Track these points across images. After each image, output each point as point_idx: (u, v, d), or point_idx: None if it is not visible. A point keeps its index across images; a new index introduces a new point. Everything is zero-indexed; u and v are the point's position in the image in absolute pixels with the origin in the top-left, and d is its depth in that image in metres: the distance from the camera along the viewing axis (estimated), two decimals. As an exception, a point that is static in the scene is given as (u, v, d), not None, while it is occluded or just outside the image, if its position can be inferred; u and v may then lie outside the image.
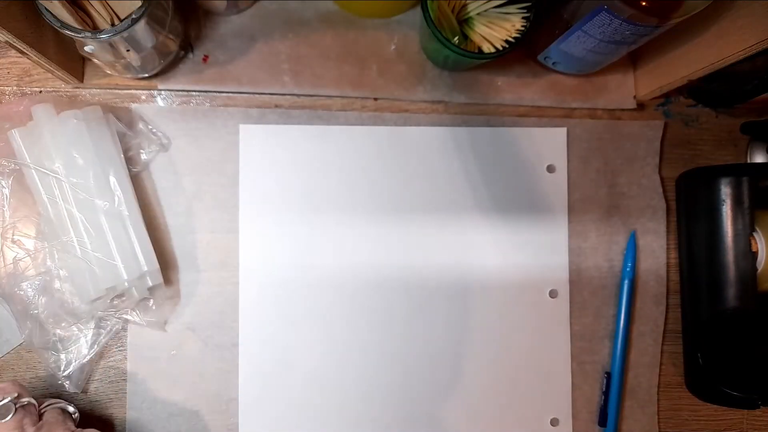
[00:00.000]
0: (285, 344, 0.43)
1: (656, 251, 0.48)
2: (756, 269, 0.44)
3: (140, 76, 0.42)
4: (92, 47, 0.36)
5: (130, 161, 0.41)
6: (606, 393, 0.46)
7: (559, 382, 0.46)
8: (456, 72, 0.46)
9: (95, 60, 0.39)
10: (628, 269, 0.46)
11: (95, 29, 0.34)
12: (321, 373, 0.44)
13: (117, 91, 0.43)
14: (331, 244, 0.44)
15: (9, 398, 0.34)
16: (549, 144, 0.47)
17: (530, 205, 0.46)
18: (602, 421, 0.46)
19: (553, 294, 0.46)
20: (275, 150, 0.44)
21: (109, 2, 0.34)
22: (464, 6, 0.41)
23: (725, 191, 0.44)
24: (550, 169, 0.47)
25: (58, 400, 0.38)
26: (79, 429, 0.37)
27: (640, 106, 0.48)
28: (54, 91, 0.43)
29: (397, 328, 0.44)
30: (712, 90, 0.46)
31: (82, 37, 0.33)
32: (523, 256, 0.46)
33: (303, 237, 0.44)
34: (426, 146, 0.45)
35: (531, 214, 0.46)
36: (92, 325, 0.41)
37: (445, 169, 0.45)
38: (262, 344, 0.43)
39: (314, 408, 0.44)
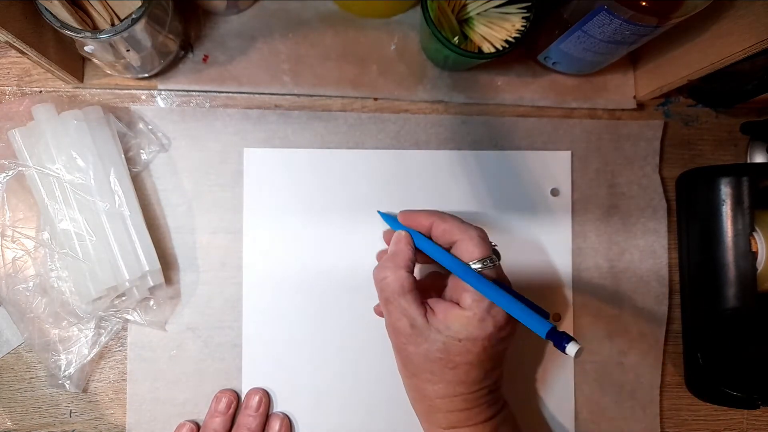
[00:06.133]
0: (288, 345, 0.44)
1: (657, 251, 0.48)
2: (756, 269, 0.44)
3: (140, 76, 0.42)
4: (92, 47, 0.36)
5: (130, 161, 0.41)
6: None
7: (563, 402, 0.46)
8: (456, 72, 0.46)
9: (95, 60, 0.39)
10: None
11: (95, 29, 0.34)
12: (325, 374, 0.44)
13: (117, 91, 0.43)
14: (333, 255, 0.44)
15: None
16: (553, 168, 0.46)
17: (533, 229, 0.46)
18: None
19: (555, 318, 0.46)
20: (279, 172, 0.44)
21: (109, 2, 0.34)
22: (464, 6, 0.41)
23: (725, 191, 0.44)
24: (554, 192, 0.46)
25: None
26: None
27: (640, 106, 0.48)
28: (54, 91, 0.43)
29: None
30: (712, 90, 0.46)
31: (82, 37, 0.33)
32: (525, 277, 0.46)
33: (305, 249, 0.44)
34: (427, 169, 0.45)
35: (534, 238, 0.46)
36: (92, 325, 0.41)
37: (446, 192, 0.45)
38: (265, 345, 0.43)
39: (318, 407, 0.44)
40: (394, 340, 0.37)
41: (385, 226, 0.43)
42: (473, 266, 0.34)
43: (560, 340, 0.30)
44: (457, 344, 0.34)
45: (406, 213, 0.39)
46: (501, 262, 0.37)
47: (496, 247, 0.38)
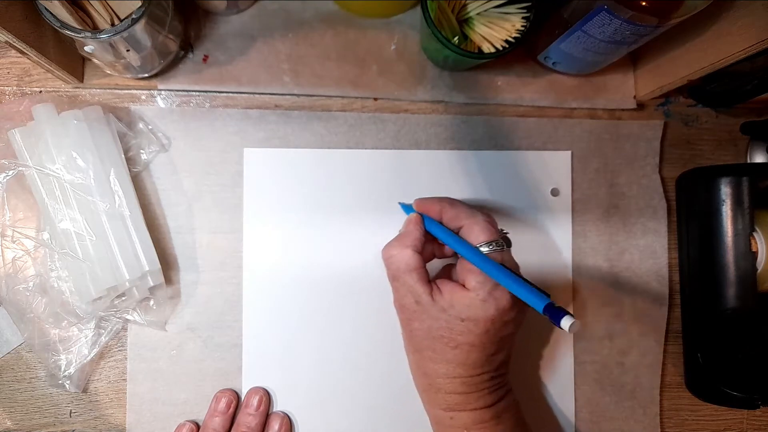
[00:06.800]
0: (288, 344, 0.43)
1: (657, 251, 0.48)
2: (756, 269, 0.44)
3: (140, 76, 0.42)
4: (92, 47, 0.36)
5: (130, 161, 0.41)
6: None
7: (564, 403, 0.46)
8: (456, 72, 0.46)
9: (95, 60, 0.39)
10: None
11: (95, 29, 0.34)
12: (325, 373, 0.44)
13: (117, 91, 0.43)
14: (333, 255, 0.44)
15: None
16: (553, 167, 0.46)
17: (534, 229, 0.46)
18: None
19: None
20: (279, 172, 0.44)
21: (109, 2, 0.34)
22: (464, 6, 0.41)
23: (725, 191, 0.44)
24: (554, 192, 0.46)
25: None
26: None
27: (640, 106, 0.48)
28: (54, 91, 0.43)
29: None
30: (712, 90, 0.46)
31: (82, 37, 0.33)
32: (525, 277, 0.46)
33: (305, 249, 0.44)
34: (427, 169, 0.45)
35: (535, 238, 0.46)
36: (92, 325, 0.41)
37: (446, 192, 0.45)
38: (265, 345, 0.43)
39: (318, 407, 0.44)
40: (400, 316, 0.38)
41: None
42: (480, 250, 0.35)
43: (556, 314, 0.30)
44: (459, 324, 0.35)
45: (420, 200, 0.40)
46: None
47: (507, 234, 0.38)
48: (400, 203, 0.43)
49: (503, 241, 0.36)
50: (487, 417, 0.36)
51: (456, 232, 0.37)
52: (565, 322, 0.30)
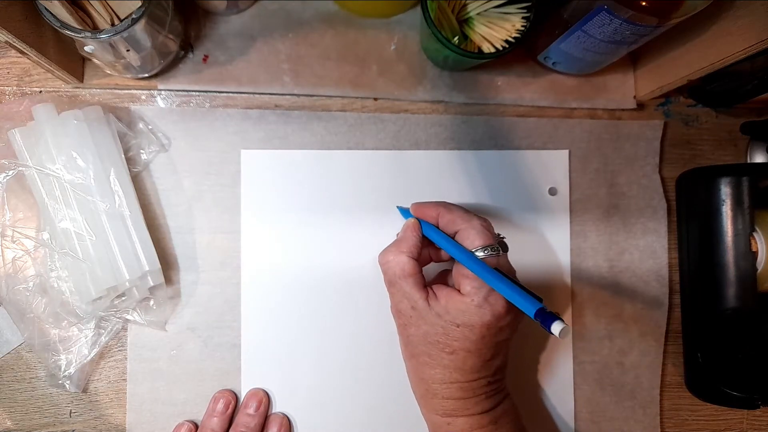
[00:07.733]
0: (287, 345, 0.43)
1: (657, 251, 0.48)
2: (756, 269, 0.44)
3: (140, 76, 0.42)
4: (92, 47, 0.36)
5: (130, 161, 0.41)
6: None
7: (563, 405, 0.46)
8: (456, 72, 0.46)
9: (95, 60, 0.39)
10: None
11: (95, 29, 0.34)
12: (324, 374, 0.44)
13: (117, 91, 0.43)
14: (332, 255, 0.44)
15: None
16: (551, 167, 0.46)
17: (532, 228, 0.46)
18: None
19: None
20: (276, 174, 0.44)
21: (109, 2, 0.34)
22: (464, 6, 0.41)
23: (725, 191, 0.44)
24: (552, 192, 0.46)
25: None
26: None
27: (640, 106, 0.48)
28: (54, 91, 0.43)
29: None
30: (712, 90, 0.46)
31: (82, 37, 0.33)
32: (524, 277, 0.46)
33: (304, 250, 0.44)
34: (427, 169, 0.45)
35: (533, 237, 0.46)
36: (92, 325, 0.41)
37: (445, 192, 0.45)
38: (264, 345, 0.43)
39: (317, 408, 0.44)
40: (397, 322, 0.38)
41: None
42: (476, 254, 0.35)
43: (546, 319, 0.30)
44: (455, 329, 0.35)
45: (417, 204, 0.40)
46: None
47: (503, 239, 0.38)
48: (398, 207, 0.43)
49: (499, 246, 0.36)
50: (485, 422, 0.36)
51: (452, 237, 0.37)
52: (556, 327, 0.30)
